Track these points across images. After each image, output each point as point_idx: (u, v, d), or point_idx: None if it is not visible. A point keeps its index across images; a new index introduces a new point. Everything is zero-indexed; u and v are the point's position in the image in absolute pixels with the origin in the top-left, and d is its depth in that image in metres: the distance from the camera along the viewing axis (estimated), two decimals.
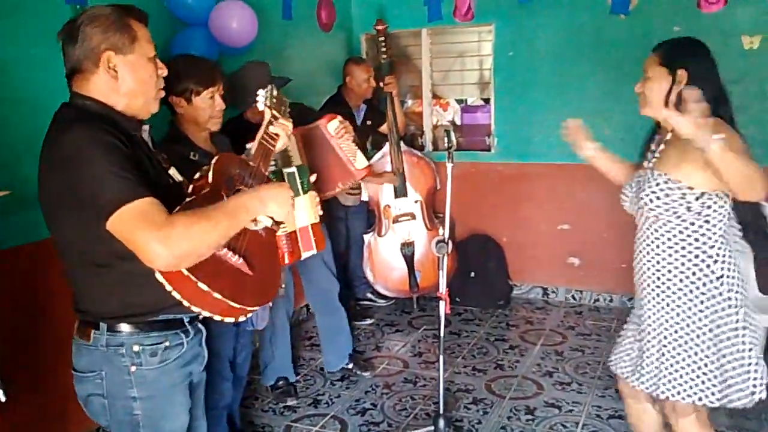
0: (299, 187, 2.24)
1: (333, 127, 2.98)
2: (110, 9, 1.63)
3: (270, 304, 2.73)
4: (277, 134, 1.99)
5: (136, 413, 1.69)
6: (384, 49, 4.38)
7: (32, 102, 2.72)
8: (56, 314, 2.82)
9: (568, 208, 4.85)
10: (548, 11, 4.64)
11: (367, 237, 4.69)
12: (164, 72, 1.73)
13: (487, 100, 5.20)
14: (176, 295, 1.51)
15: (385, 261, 4.66)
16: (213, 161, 1.72)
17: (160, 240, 1.43)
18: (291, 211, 1.82)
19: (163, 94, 1.75)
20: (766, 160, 4.20)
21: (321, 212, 2.32)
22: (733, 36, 4.25)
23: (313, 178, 2.33)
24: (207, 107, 2.50)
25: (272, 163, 2.20)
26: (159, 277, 1.49)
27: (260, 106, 2.01)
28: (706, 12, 4.27)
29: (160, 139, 2.50)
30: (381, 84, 4.33)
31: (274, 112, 2.01)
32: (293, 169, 2.25)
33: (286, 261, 2.11)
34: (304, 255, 2.24)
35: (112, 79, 1.62)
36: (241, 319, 1.63)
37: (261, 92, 2.02)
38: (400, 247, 4.62)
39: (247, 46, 3.65)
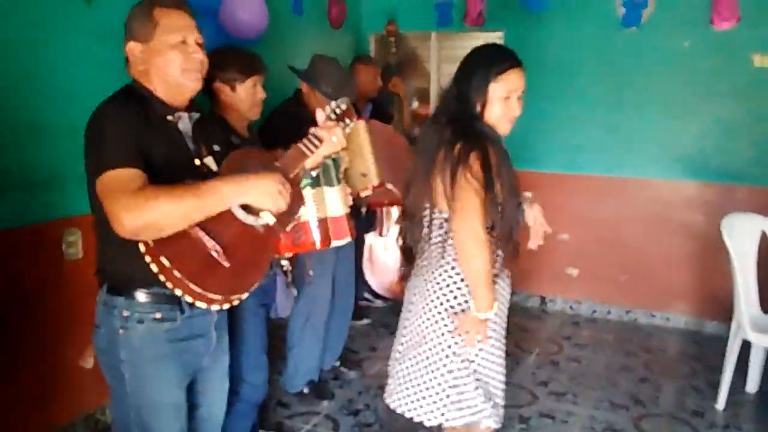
0: (334, 177, 2.26)
1: (364, 128, 2.98)
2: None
3: (295, 292, 2.72)
4: (321, 138, 1.92)
5: (124, 375, 1.74)
6: (393, 50, 4.37)
7: (36, 84, 2.72)
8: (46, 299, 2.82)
9: (567, 218, 4.83)
10: (558, 21, 4.65)
11: (368, 237, 4.64)
12: (198, 55, 1.75)
13: None
14: (153, 267, 1.56)
15: (385, 262, 4.62)
16: (231, 153, 1.76)
17: (123, 207, 1.51)
18: (282, 201, 1.74)
19: (196, 73, 1.77)
20: None
21: (351, 203, 2.36)
22: (744, 54, 4.24)
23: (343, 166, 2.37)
24: (249, 96, 2.60)
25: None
26: (141, 246, 1.57)
27: (319, 115, 2.00)
28: (718, 29, 4.27)
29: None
30: (389, 85, 4.31)
31: (332, 118, 1.98)
32: (329, 160, 2.23)
33: (318, 246, 2.15)
34: (335, 243, 2.26)
35: (141, 66, 1.72)
36: (214, 307, 1.66)
37: (333, 103, 2.01)
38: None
39: (256, 39, 3.63)
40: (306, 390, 3.54)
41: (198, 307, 1.72)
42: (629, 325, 4.74)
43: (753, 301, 3.62)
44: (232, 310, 1.87)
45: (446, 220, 2.04)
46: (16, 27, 2.64)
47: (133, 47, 1.72)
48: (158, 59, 1.71)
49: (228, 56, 2.59)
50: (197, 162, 1.77)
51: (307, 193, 2.14)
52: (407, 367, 2.19)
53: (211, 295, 1.61)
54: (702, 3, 4.30)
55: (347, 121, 2.04)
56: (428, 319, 2.12)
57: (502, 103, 2.01)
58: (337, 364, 3.86)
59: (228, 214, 1.66)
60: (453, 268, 2.07)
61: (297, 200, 1.87)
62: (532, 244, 2.23)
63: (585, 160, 4.75)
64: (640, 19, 4.44)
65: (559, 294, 5.00)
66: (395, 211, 4.57)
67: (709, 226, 4.38)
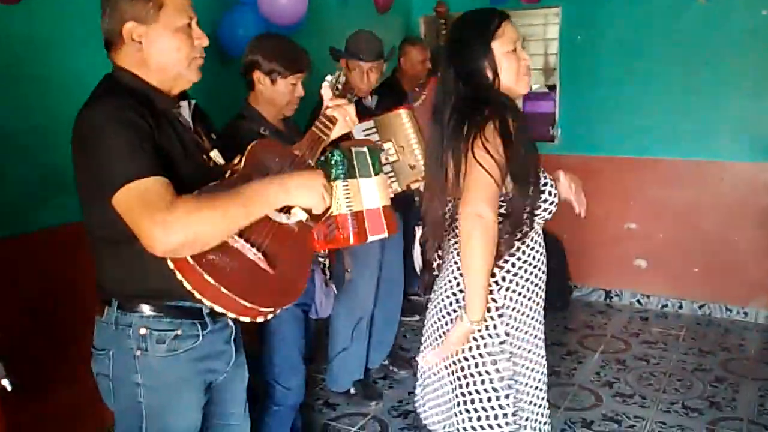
0: (370, 167, 2.11)
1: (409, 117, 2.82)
2: None
3: (335, 290, 2.60)
4: (334, 118, 1.81)
5: (140, 400, 1.59)
6: (444, 32, 4.17)
7: (67, 81, 2.64)
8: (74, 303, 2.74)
9: (636, 206, 4.53)
10: None
11: (419, 229, 4.46)
12: (203, 42, 1.60)
13: (551, 87, 4.91)
14: (186, 285, 1.42)
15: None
16: (250, 145, 1.64)
17: (158, 224, 1.35)
18: (327, 200, 1.66)
19: (201, 62, 1.62)
20: None
21: (392, 195, 2.18)
22: None
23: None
24: (288, 92, 2.47)
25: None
26: (170, 263, 1.42)
27: (325, 92, 1.88)
28: None
29: (231, 115, 2.49)
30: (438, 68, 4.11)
31: (334, 94, 1.87)
32: (365, 149, 2.10)
33: (352, 242, 1.99)
34: (371, 238, 2.10)
35: (138, 52, 1.52)
36: (259, 319, 1.52)
37: (329, 77, 1.89)
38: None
39: (297, 25, 3.48)
40: (353, 390, 3.40)
41: (219, 320, 1.64)
42: (703, 321, 4.39)
43: None
44: None
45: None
46: (48, 23, 2.58)
47: (133, 29, 1.50)
48: (162, 45, 1.53)
49: (274, 47, 2.45)
50: (212, 155, 1.65)
51: (339, 185, 1.98)
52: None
53: (263, 309, 1.50)
54: None
55: (352, 95, 1.95)
56: (435, 323, 1.92)
57: (512, 58, 1.82)
58: (387, 362, 3.70)
59: (262, 218, 1.54)
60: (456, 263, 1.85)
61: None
62: (581, 211, 2.02)
63: (654, 144, 4.42)
64: None
65: (626, 287, 4.68)
66: None
67: None
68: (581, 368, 3.74)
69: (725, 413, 3.24)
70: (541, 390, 1.94)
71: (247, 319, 1.51)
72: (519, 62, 1.83)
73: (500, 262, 1.79)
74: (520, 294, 1.83)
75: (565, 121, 4.69)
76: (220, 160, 1.65)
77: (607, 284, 4.75)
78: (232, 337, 1.73)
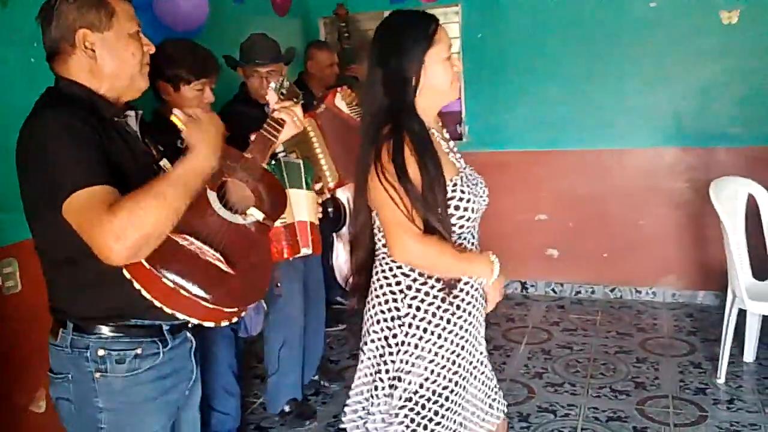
0: (303, 180, 2.01)
1: (340, 99, 2.68)
2: None
3: (265, 306, 2.47)
4: (282, 120, 1.77)
5: (101, 426, 1.54)
6: (346, 35, 4.09)
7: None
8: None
9: (545, 197, 4.64)
10: None
11: (336, 237, 4.35)
12: (151, 49, 1.60)
13: None
14: (146, 294, 1.40)
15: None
16: None
17: (111, 233, 1.30)
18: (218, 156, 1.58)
19: (148, 69, 1.61)
20: (751, 140, 4.13)
21: (320, 215, 2.08)
22: (712, 12, 4.09)
23: (317, 186, 2.18)
24: (194, 98, 2.34)
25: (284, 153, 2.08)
26: (126, 273, 1.39)
27: (270, 96, 1.82)
28: None
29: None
30: (347, 70, 4.04)
31: (280, 97, 1.82)
32: (299, 162, 2.01)
33: (285, 255, 1.94)
34: (302, 251, 1.99)
35: (90, 60, 1.51)
36: (224, 323, 1.50)
37: (273, 84, 1.83)
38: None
39: (196, 31, 3.29)
40: (288, 408, 3.24)
41: (179, 336, 1.62)
42: (616, 304, 4.55)
43: (746, 269, 3.47)
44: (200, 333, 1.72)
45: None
46: None
47: (86, 35, 1.48)
48: (117, 51, 1.52)
49: (177, 52, 2.31)
50: (162, 164, 1.63)
51: None
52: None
53: (227, 310, 1.47)
54: None
55: (298, 98, 1.89)
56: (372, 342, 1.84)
57: (447, 65, 1.78)
58: (317, 377, 3.56)
59: (217, 220, 1.53)
60: (386, 277, 1.80)
61: (281, 194, 1.76)
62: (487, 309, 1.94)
63: (558, 136, 4.53)
64: None
65: (540, 277, 4.78)
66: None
67: (693, 193, 4.25)
68: (510, 362, 3.76)
69: (651, 392, 3.35)
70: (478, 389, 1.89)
71: (211, 324, 1.47)
72: (451, 71, 1.79)
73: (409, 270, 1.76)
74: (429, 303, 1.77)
75: (471, 118, 4.72)
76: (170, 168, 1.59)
77: (522, 275, 4.82)
78: (192, 351, 1.69)
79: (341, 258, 4.25)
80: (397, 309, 1.76)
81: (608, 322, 4.26)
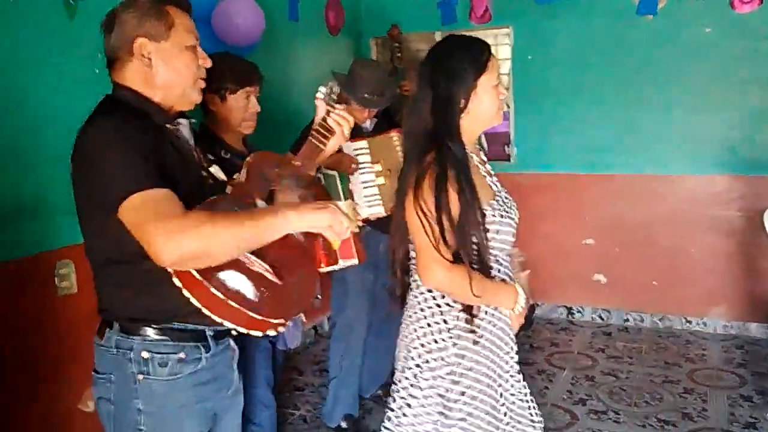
0: (340, 192, 2.03)
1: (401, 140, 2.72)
2: None
3: (303, 319, 2.48)
4: (331, 127, 1.76)
5: (140, 428, 1.54)
6: (398, 55, 4.14)
7: (28, 107, 2.54)
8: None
9: (591, 221, 4.57)
10: (569, 13, 4.41)
11: None
12: (207, 63, 1.61)
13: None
14: (194, 301, 1.39)
15: None
16: (248, 158, 1.64)
17: (167, 233, 1.32)
18: (346, 222, 1.57)
19: (203, 84, 1.63)
20: None
21: (360, 224, 2.09)
22: (766, 38, 4.00)
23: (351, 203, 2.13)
24: (241, 108, 2.36)
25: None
26: (175, 280, 1.40)
27: (319, 104, 1.80)
28: (739, 12, 4.03)
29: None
30: (400, 88, 4.06)
31: (329, 105, 1.80)
32: (335, 173, 2.03)
33: (323, 265, 1.89)
34: (342, 263, 2.00)
35: (146, 68, 1.53)
36: (270, 333, 1.48)
37: (322, 88, 1.82)
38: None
39: (252, 46, 3.37)
40: (344, 424, 3.22)
41: (221, 343, 1.62)
42: (664, 333, 4.43)
43: None
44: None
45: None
46: None
47: (144, 44, 1.51)
48: (172, 62, 1.54)
49: (220, 63, 2.31)
50: (212, 170, 1.65)
51: None
52: None
53: (273, 321, 1.46)
54: None
55: (347, 104, 1.86)
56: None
57: (493, 93, 1.82)
58: (380, 393, 3.52)
59: None
60: (426, 300, 1.82)
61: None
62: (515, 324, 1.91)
63: (605, 159, 4.48)
64: (656, 6, 4.19)
65: (586, 303, 4.69)
66: None
67: (745, 221, 4.14)
68: (552, 387, 3.70)
69: (698, 424, 3.24)
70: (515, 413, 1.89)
71: (258, 333, 1.46)
72: (498, 99, 1.83)
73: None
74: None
75: (519, 139, 4.70)
76: (221, 176, 1.64)
77: (568, 300, 4.75)
78: (234, 360, 1.69)
79: None
80: (445, 322, 1.78)
81: (655, 350, 4.15)
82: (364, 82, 2.94)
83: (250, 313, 1.40)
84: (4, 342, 2.47)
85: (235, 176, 1.63)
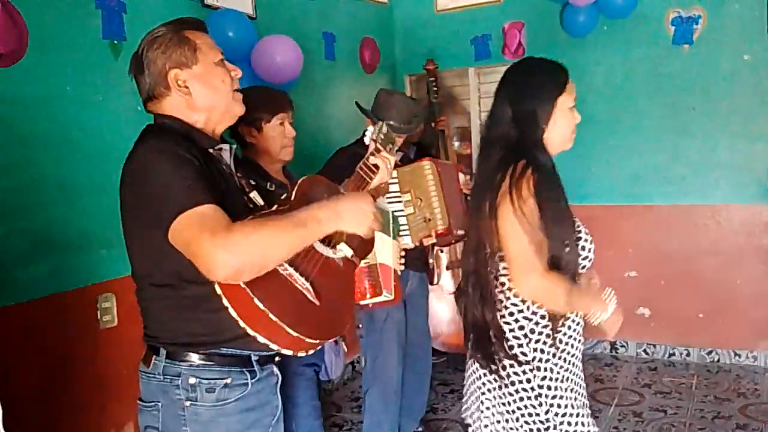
0: (390, 228, 2.05)
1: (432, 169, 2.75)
2: (165, 27, 1.57)
3: (345, 348, 2.48)
4: (376, 166, 1.80)
5: None
6: (435, 89, 4.19)
7: (75, 143, 2.61)
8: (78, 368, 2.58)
9: (633, 253, 4.48)
10: (603, 45, 4.41)
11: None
12: (238, 73, 1.64)
13: None
14: (232, 312, 1.38)
15: (437, 313, 4.30)
16: (300, 180, 1.66)
17: (219, 246, 1.32)
18: (376, 225, 1.63)
19: (240, 96, 1.64)
20: None
21: (403, 266, 2.11)
22: None
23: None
24: (278, 135, 2.42)
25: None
26: (217, 289, 1.38)
27: (367, 140, 1.85)
28: None
29: None
30: (432, 124, 4.10)
31: (378, 145, 1.85)
32: (389, 211, 2.10)
33: (368, 296, 1.97)
34: (384, 294, 2.00)
35: (185, 96, 1.55)
36: (300, 354, 1.48)
37: (370, 128, 1.86)
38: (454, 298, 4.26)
39: (289, 84, 3.43)
40: None
41: (266, 368, 1.61)
42: (713, 367, 4.29)
43: None
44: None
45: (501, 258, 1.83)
46: (43, 83, 2.51)
47: (178, 75, 1.54)
48: (208, 81, 1.56)
49: (250, 95, 2.37)
50: (252, 196, 1.65)
51: None
52: None
53: (309, 340, 1.44)
54: (756, 13, 4.03)
55: (394, 144, 1.91)
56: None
57: (569, 115, 1.86)
58: (420, 430, 3.48)
59: (310, 250, 1.53)
60: (512, 314, 1.84)
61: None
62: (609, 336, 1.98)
63: (646, 190, 4.41)
64: (692, 35, 4.17)
65: (631, 337, 4.57)
66: (444, 257, 4.27)
67: None
68: (598, 423, 3.58)
69: None
70: None
71: (290, 353, 1.46)
72: (572, 121, 1.86)
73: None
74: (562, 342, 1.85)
75: (559, 170, 4.65)
76: (260, 201, 1.64)
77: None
78: (277, 386, 1.67)
79: (432, 308, 4.22)
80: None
81: (704, 386, 4.01)
82: (390, 110, 2.99)
83: (287, 329, 1.39)
84: (48, 375, 2.49)
85: (283, 196, 1.64)
